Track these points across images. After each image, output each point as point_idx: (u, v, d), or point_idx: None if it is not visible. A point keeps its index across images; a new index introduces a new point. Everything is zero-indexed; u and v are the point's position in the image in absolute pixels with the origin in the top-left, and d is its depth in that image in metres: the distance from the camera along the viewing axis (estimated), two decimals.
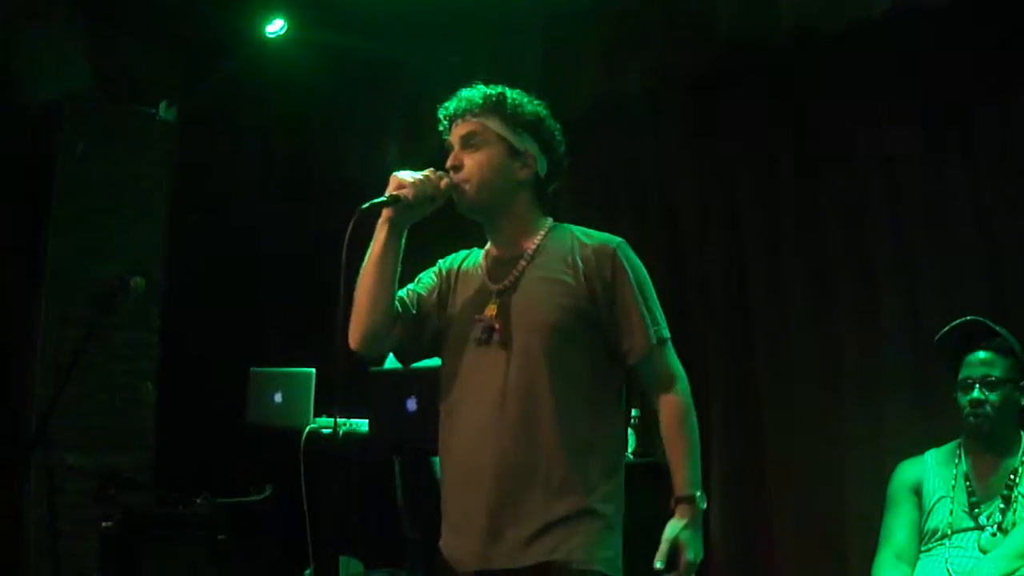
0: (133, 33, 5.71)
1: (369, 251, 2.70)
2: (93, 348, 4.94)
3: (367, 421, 4.90)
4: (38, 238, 5.70)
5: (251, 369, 5.70)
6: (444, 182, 2.67)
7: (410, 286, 2.83)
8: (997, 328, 3.50)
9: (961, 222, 4.23)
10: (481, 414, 2.63)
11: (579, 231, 2.77)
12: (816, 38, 4.36)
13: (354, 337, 2.72)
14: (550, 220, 2.81)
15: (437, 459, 2.87)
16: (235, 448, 5.57)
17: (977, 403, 3.43)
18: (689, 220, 5.12)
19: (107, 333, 5.51)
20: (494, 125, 2.71)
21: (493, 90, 2.74)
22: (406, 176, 2.65)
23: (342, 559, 5.26)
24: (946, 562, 3.37)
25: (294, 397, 5.30)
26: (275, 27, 5.57)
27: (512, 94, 2.75)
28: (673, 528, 2.57)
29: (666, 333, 2.70)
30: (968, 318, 3.56)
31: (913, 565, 3.48)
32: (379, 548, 5.36)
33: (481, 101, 2.72)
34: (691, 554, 2.55)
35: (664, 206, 5.22)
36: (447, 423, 2.74)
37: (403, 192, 2.62)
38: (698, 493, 2.60)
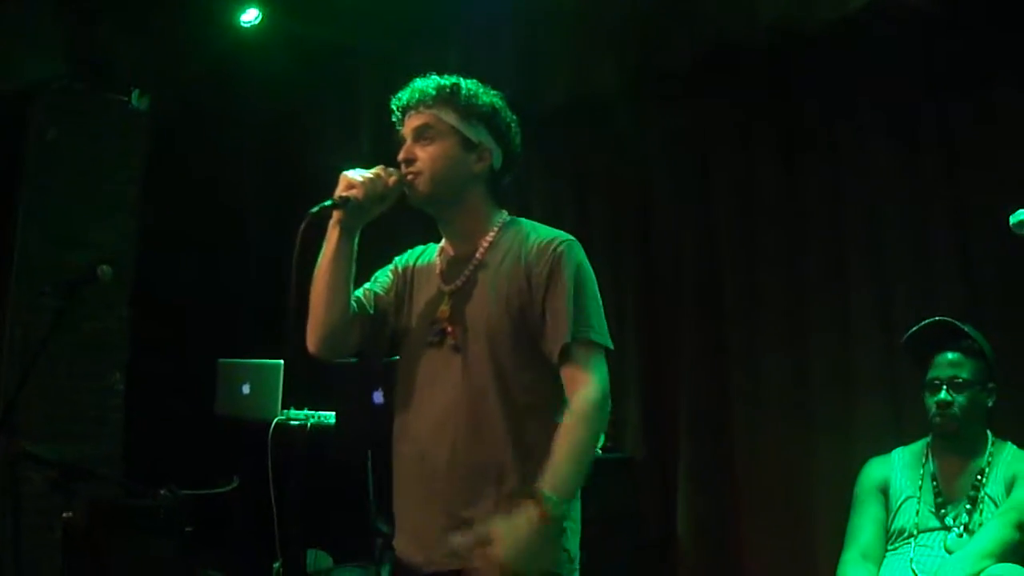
0: (107, 21, 5.68)
1: (321, 254, 2.64)
2: (61, 337, 4.89)
3: (334, 414, 4.89)
4: (7, 225, 5.65)
5: (219, 360, 5.68)
6: (393, 179, 2.60)
7: (367, 285, 2.76)
8: (966, 329, 3.50)
9: (936, 221, 4.24)
10: (433, 418, 2.56)
11: (531, 227, 2.68)
12: (794, 36, 4.36)
13: (312, 342, 2.66)
14: (505, 214, 2.73)
15: None
16: (203, 439, 5.54)
17: (944, 404, 3.44)
18: (664, 218, 5.12)
19: (75, 322, 5.47)
20: (448, 117, 2.62)
21: (447, 80, 2.66)
22: (355, 176, 2.58)
23: (310, 552, 5.25)
24: (912, 562, 3.37)
25: (262, 389, 5.29)
26: (249, 16, 5.55)
27: (467, 84, 2.66)
28: (502, 520, 2.34)
29: (597, 337, 2.53)
30: (937, 319, 3.57)
31: (879, 564, 3.48)
32: (348, 542, 5.34)
33: (434, 92, 2.63)
34: (507, 551, 2.29)
35: (639, 204, 5.22)
36: (400, 425, 2.66)
37: (352, 193, 2.56)
38: (551, 496, 2.32)
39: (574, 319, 2.49)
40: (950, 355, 3.49)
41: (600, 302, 2.59)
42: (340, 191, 2.57)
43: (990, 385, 3.48)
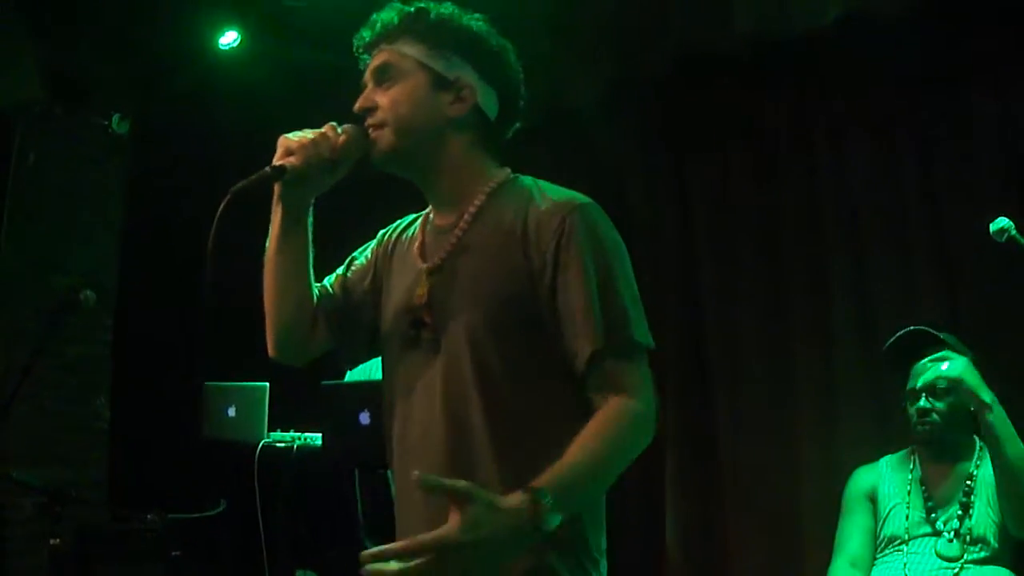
0: (87, 45, 5.66)
1: (268, 240, 2.17)
2: (45, 363, 4.87)
3: (320, 436, 4.88)
4: None
5: (205, 383, 5.66)
6: (343, 139, 2.06)
7: (339, 270, 2.27)
8: (943, 336, 3.50)
9: (914, 228, 4.27)
10: (413, 432, 2.04)
11: (536, 188, 2.09)
12: (769, 46, 4.39)
13: (270, 343, 2.20)
14: (506, 172, 2.16)
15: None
16: (190, 463, 5.52)
17: (924, 412, 3.44)
18: (642, 228, 5.13)
19: (59, 347, 5.44)
20: (411, 50, 2.07)
21: (412, 6, 2.12)
22: (293, 139, 2.06)
23: (298, 573, 5.23)
24: (904, 567, 3.37)
25: (248, 411, 5.26)
26: (228, 39, 5.54)
27: (437, 8, 2.12)
28: (484, 496, 1.74)
29: (639, 336, 1.96)
30: (913, 328, 3.56)
31: (868, 572, 3.48)
32: (336, 562, 5.33)
33: (397, 22, 2.10)
34: (464, 535, 1.69)
35: (616, 215, 5.20)
36: (389, 438, 2.14)
37: (290, 160, 2.03)
38: (546, 494, 1.73)
39: (601, 315, 1.93)
40: (929, 363, 3.46)
41: (634, 283, 2.03)
42: (277, 158, 2.06)
43: None
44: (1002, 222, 3.00)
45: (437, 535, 1.68)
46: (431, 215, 2.19)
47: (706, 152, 4.93)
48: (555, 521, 1.74)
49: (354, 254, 2.31)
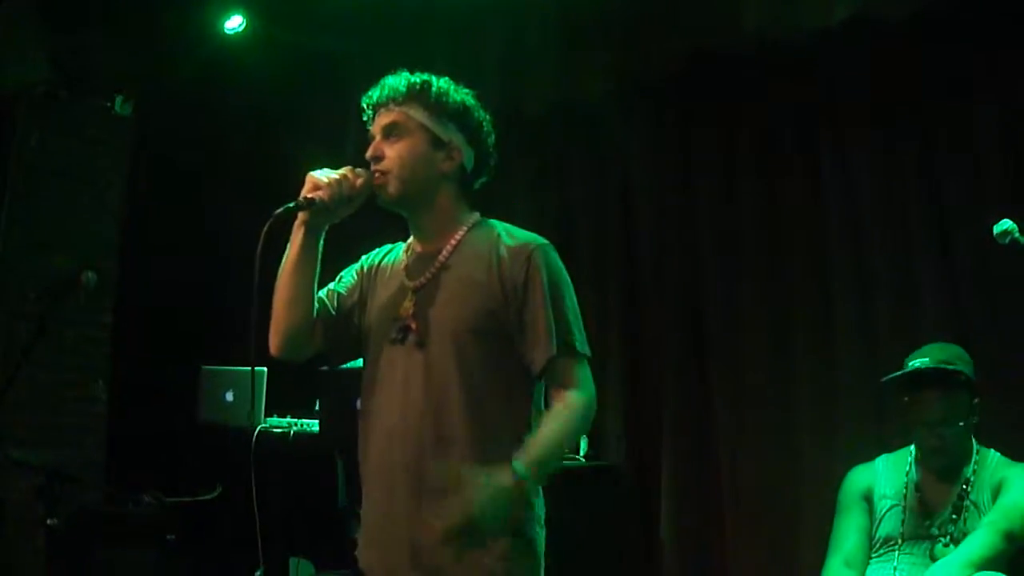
0: (91, 27, 5.65)
1: (286, 255, 2.62)
2: (43, 344, 4.88)
3: (317, 422, 4.88)
4: None
5: (202, 367, 5.65)
6: (360, 181, 2.57)
7: (331, 285, 2.75)
8: (948, 368, 3.39)
9: (916, 230, 4.27)
10: (393, 419, 2.54)
11: (503, 229, 2.66)
12: (777, 45, 4.38)
13: (274, 343, 2.64)
14: (476, 215, 2.71)
15: None
16: (186, 447, 5.52)
17: (937, 445, 3.40)
18: (646, 228, 5.13)
19: (58, 329, 5.44)
20: (417, 114, 2.60)
21: (417, 77, 2.63)
22: (321, 176, 2.55)
23: (292, 560, 5.23)
24: (895, 570, 3.37)
25: (246, 396, 5.26)
26: (234, 23, 5.55)
27: (438, 82, 2.64)
28: (483, 469, 2.38)
29: (580, 347, 2.56)
30: (920, 368, 3.45)
31: (862, 572, 3.47)
32: (330, 549, 5.34)
33: (405, 89, 2.61)
34: (478, 498, 2.33)
35: (622, 212, 5.23)
36: (364, 427, 2.64)
37: (318, 194, 2.52)
38: (521, 470, 2.37)
39: (556, 331, 2.51)
40: (935, 394, 3.40)
41: (577, 307, 2.60)
42: (306, 192, 2.54)
43: (975, 402, 3.42)
44: (1005, 224, 2.99)
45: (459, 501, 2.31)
46: (413, 243, 2.72)
47: (711, 150, 4.93)
48: (527, 484, 2.39)
49: (342, 272, 2.79)
